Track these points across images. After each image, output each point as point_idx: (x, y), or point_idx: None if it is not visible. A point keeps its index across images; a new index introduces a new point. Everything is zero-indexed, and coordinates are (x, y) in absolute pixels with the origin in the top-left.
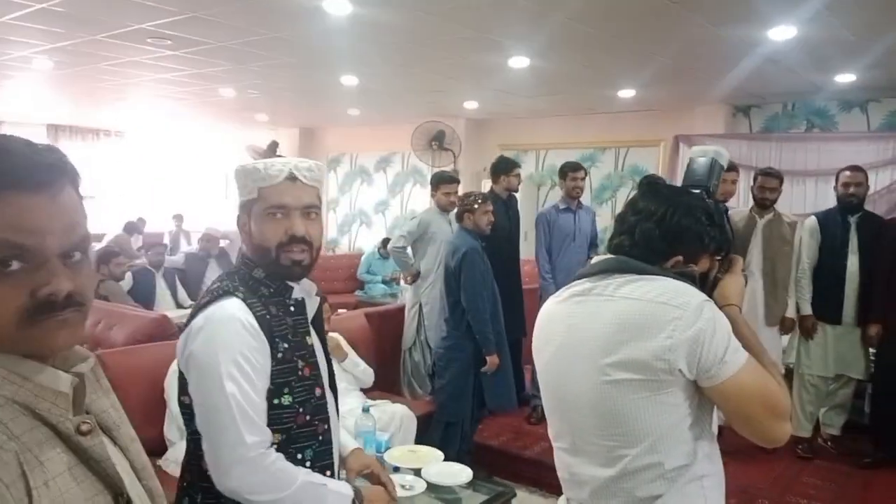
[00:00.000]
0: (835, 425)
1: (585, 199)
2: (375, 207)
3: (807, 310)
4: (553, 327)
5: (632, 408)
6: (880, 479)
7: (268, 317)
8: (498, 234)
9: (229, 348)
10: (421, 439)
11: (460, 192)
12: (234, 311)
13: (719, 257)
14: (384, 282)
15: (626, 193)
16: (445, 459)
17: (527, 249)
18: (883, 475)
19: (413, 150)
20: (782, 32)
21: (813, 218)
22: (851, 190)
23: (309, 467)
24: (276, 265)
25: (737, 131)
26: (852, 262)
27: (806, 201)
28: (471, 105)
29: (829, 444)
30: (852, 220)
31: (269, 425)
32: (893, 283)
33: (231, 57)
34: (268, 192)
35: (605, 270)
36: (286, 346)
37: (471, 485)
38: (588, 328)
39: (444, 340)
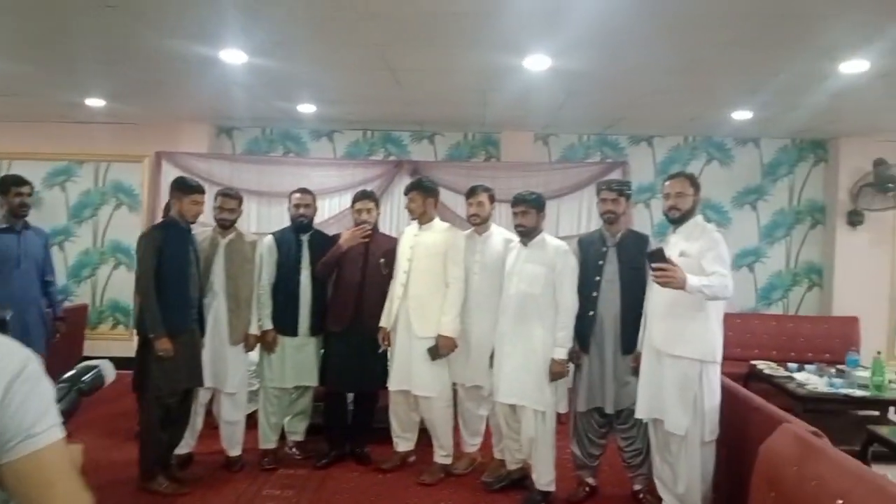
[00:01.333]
0: (298, 431)
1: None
2: None
3: (268, 325)
4: None
5: None
6: (333, 476)
7: None
8: None
9: None
10: None
11: None
12: None
13: None
14: None
15: (108, 212)
16: None
17: None
18: (336, 471)
19: None
20: (236, 57)
21: (270, 236)
22: (301, 211)
23: None
24: None
25: (221, 151)
26: (305, 277)
27: (284, 220)
28: None
29: (293, 450)
30: (304, 238)
31: None
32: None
33: None
34: None
35: None
36: None
37: None
38: None
39: None
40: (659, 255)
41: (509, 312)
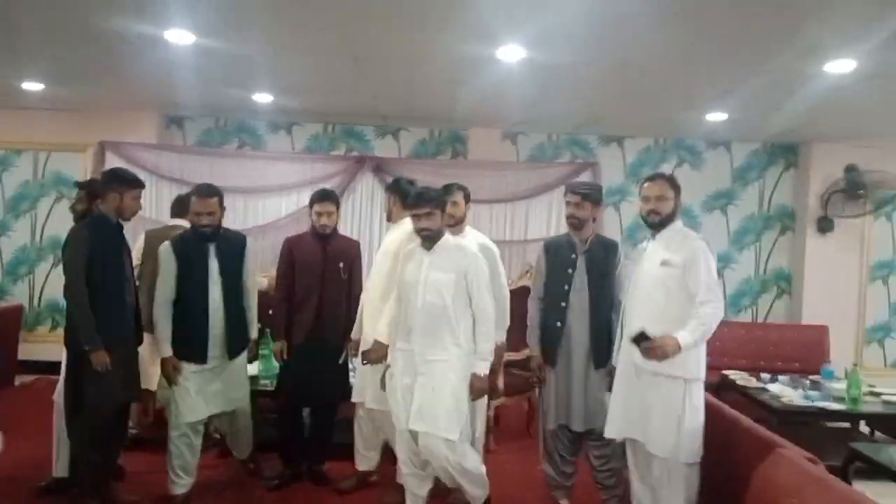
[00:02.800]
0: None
1: None
2: None
3: (166, 352)
4: None
5: None
6: (287, 498)
7: None
8: None
9: None
10: None
11: None
12: None
13: None
14: None
15: (48, 206)
16: None
17: None
18: (289, 493)
19: None
20: (183, 37)
21: (167, 243)
22: (204, 220)
23: None
24: None
25: (171, 142)
26: (216, 292)
27: (236, 217)
28: None
29: (251, 465)
30: (211, 246)
31: None
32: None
33: None
34: None
35: None
36: None
37: None
38: None
39: None
40: (643, 337)
41: (417, 327)
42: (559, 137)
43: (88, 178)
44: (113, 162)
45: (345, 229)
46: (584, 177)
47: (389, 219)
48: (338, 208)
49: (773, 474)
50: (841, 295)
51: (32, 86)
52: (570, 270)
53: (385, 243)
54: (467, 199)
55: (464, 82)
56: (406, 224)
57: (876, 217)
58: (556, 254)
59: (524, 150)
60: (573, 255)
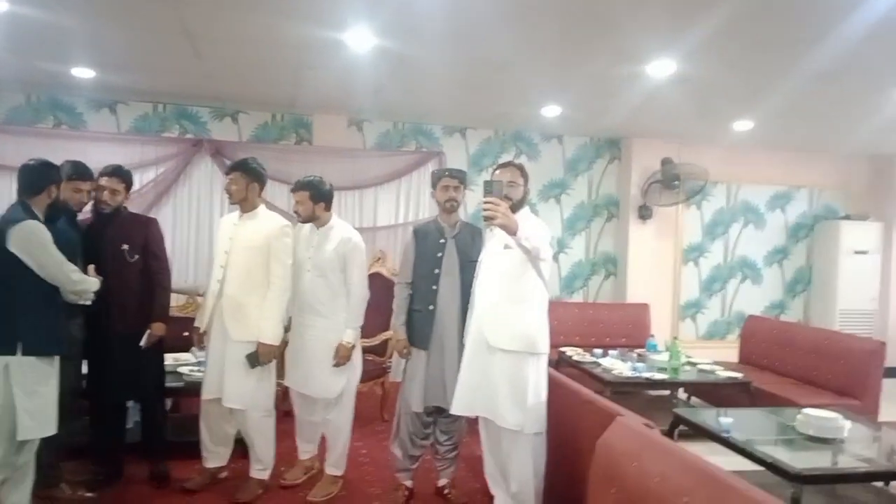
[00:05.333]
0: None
1: None
2: None
3: None
4: None
5: None
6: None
7: None
8: None
9: None
10: None
11: None
12: None
13: None
14: None
15: None
16: None
17: None
18: (130, 495)
19: None
20: None
21: None
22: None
23: None
24: None
25: None
26: None
27: None
28: None
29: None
30: None
31: None
32: None
33: None
34: None
35: None
36: None
37: None
38: None
39: None
40: (497, 187)
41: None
42: (404, 126)
43: None
44: None
45: (182, 216)
46: (431, 165)
47: (243, 206)
48: (127, 186)
49: (614, 441)
50: (659, 276)
51: None
52: (439, 254)
53: (248, 236)
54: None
55: (309, 67)
56: (266, 214)
57: (688, 206)
58: (425, 238)
59: (370, 137)
60: (442, 240)
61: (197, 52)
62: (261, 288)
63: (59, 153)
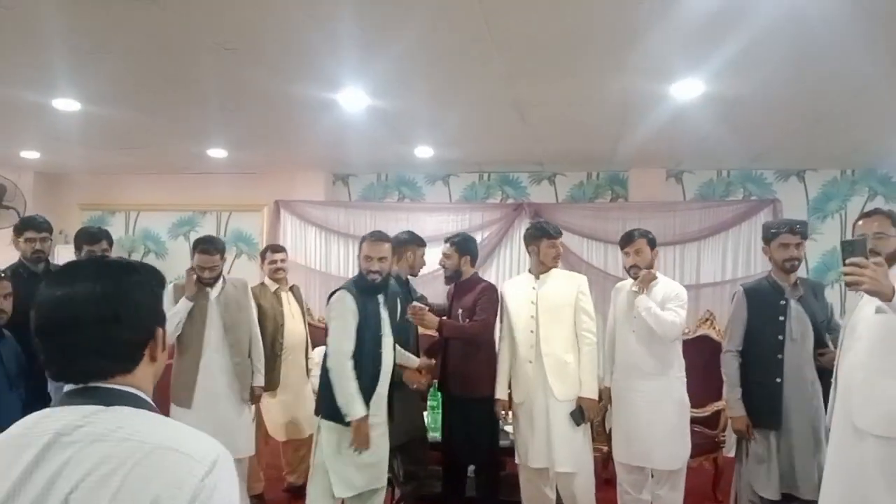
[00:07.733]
0: None
1: None
2: None
3: None
4: None
5: None
6: None
7: None
8: None
9: None
10: None
11: None
12: None
13: None
14: None
15: (229, 261)
16: None
17: None
18: None
19: None
20: (355, 98)
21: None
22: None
23: None
24: None
25: (337, 198)
26: None
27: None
28: (31, 155)
29: None
30: None
31: None
32: None
33: None
34: None
35: None
36: None
37: None
38: None
39: None
40: (860, 247)
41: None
42: (730, 174)
43: (264, 235)
44: (286, 218)
45: (502, 276)
46: (764, 215)
47: (538, 269)
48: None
49: None
50: None
51: (217, 152)
52: (781, 318)
53: (552, 296)
54: (652, 245)
55: (631, 122)
56: (561, 273)
57: None
58: (762, 300)
59: (691, 188)
60: (783, 301)
61: (522, 118)
62: (574, 343)
63: (401, 223)
